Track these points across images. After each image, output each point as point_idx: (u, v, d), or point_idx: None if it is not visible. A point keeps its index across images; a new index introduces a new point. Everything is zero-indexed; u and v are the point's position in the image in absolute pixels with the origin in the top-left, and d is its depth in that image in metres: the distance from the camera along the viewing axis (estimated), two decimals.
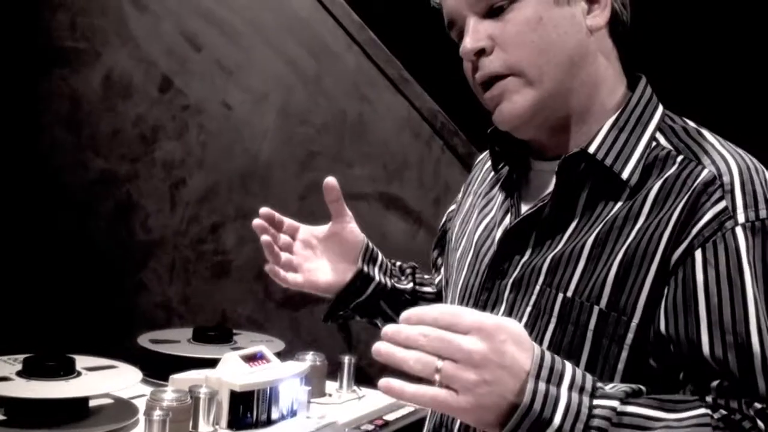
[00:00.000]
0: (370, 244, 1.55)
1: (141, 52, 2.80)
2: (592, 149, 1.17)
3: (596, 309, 1.11)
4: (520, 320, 1.18)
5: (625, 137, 1.17)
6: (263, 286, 2.76)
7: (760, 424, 1.01)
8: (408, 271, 1.60)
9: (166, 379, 1.56)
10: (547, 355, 0.98)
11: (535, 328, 1.16)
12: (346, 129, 2.74)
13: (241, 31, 2.77)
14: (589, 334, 1.11)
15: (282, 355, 1.75)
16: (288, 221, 1.56)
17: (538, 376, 0.96)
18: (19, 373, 1.47)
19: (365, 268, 1.51)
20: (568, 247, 1.15)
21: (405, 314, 0.98)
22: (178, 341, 1.87)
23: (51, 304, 2.79)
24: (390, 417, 1.71)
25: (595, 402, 0.98)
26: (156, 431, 1.33)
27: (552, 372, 0.97)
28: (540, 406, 0.95)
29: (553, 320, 1.14)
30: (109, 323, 2.79)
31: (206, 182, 2.81)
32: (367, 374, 1.95)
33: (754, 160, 1.13)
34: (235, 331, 1.97)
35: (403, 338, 0.96)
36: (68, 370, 1.49)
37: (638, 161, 1.15)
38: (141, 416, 1.46)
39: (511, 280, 1.21)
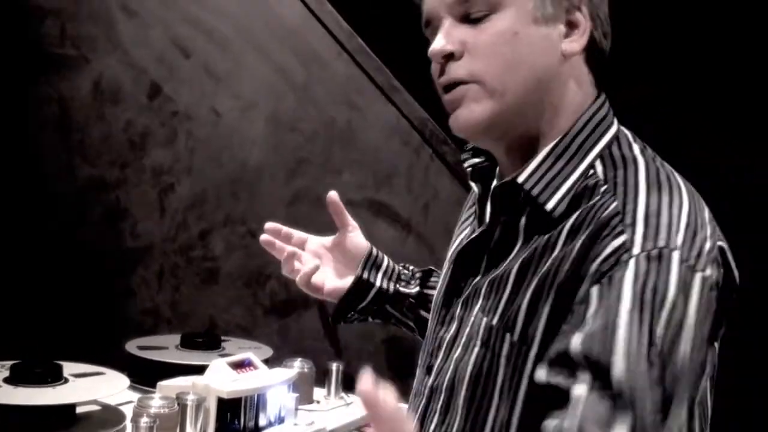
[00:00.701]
0: (375, 251, 1.57)
1: (130, 58, 2.80)
2: (521, 179, 1.14)
3: (508, 337, 1.10)
4: (461, 339, 1.18)
5: (560, 166, 1.14)
6: (251, 293, 2.76)
7: None
8: (419, 275, 1.59)
9: (153, 386, 1.56)
10: None
11: (467, 349, 1.16)
12: (335, 136, 2.75)
13: (230, 38, 2.77)
14: (503, 361, 1.10)
15: (270, 362, 1.75)
16: (297, 234, 1.60)
17: None
18: (6, 380, 1.46)
19: (364, 275, 1.54)
20: (501, 273, 1.15)
21: None
22: (166, 348, 1.87)
23: (38, 310, 2.78)
24: None
25: None
26: None
27: None
28: None
29: (478, 343, 1.14)
30: (96, 329, 2.78)
31: (195, 189, 2.81)
32: (355, 381, 1.95)
33: (678, 197, 1.08)
34: (223, 337, 1.97)
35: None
36: (55, 377, 1.49)
37: (567, 192, 1.12)
38: (128, 423, 1.46)
39: (462, 299, 1.21)
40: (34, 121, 2.86)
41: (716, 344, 1.10)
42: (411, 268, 1.61)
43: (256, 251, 2.77)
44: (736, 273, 1.11)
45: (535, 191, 1.13)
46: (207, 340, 1.91)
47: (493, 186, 1.19)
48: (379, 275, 1.55)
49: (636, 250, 1.01)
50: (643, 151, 1.15)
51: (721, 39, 2.63)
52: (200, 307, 2.81)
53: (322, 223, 2.73)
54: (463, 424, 1.14)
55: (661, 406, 0.98)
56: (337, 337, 2.73)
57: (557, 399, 1.02)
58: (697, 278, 1.02)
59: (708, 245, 1.06)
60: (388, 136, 2.70)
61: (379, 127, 2.71)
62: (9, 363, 1.52)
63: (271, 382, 1.57)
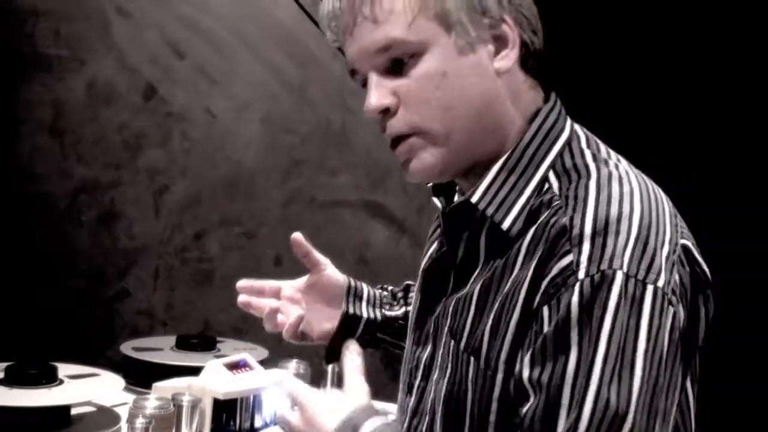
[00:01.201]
0: (353, 283, 1.53)
1: (125, 59, 2.80)
2: (474, 198, 1.11)
3: (473, 362, 1.08)
4: (437, 360, 1.17)
5: (512, 181, 1.11)
6: None
7: None
8: (400, 295, 1.56)
9: (149, 387, 1.56)
10: (355, 417, 1.11)
11: (442, 369, 1.14)
12: (330, 137, 2.75)
13: (225, 40, 2.77)
14: (470, 385, 1.08)
15: (265, 363, 1.75)
16: (268, 284, 1.53)
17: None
18: (1, 381, 1.46)
19: (350, 309, 1.49)
20: (465, 293, 1.12)
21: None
22: (161, 349, 1.87)
23: (33, 311, 2.78)
24: None
25: None
26: None
27: (354, 427, 1.10)
28: None
29: (450, 365, 1.12)
30: (91, 331, 2.78)
31: (190, 190, 2.80)
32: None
33: (629, 204, 1.03)
34: (218, 338, 1.97)
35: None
36: (50, 378, 1.49)
37: (522, 209, 1.09)
38: (123, 424, 1.46)
39: (433, 318, 1.19)
40: (28, 122, 2.85)
41: (689, 353, 1.05)
42: (390, 288, 1.58)
43: (251, 252, 2.77)
44: (705, 268, 1.07)
45: (489, 211, 1.10)
46: (202, 341, 1.91)
47: (449, 208, 1.16)
48: (364, 306, 1.51)
49: (581, 274, 0.98)
50: (595, 157, 1.10)
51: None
52: (195, 308, 2.80)
53: (316, 224, 2.74)
54: None
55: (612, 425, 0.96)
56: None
57: (516, 418, 1.02)
58: (649, 291, 0.98)
59: (665, 250, 1.02)
60: (382, 137, 2.70)
61: (373, 129, 2.69)
62: (4, 364, 1.52)
63: (267, 383, 1.57)
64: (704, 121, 2.58)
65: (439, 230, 1.29)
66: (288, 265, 2.73)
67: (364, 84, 1.15)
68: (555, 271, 1.00)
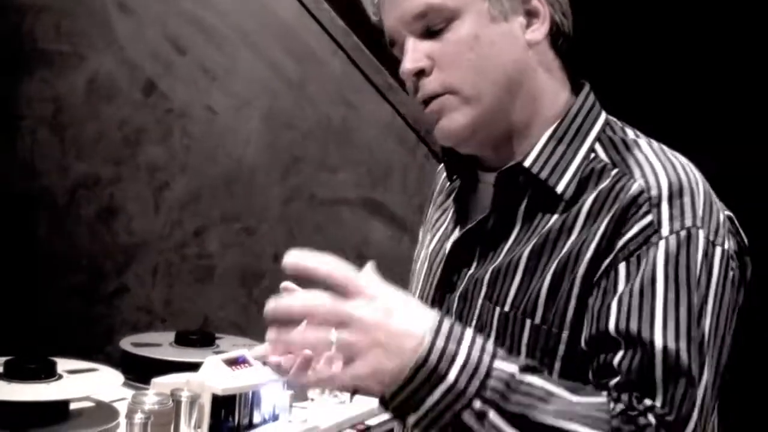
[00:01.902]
0: None
1: (125, 55, 2.80)
2: (527, 162, 1.17)
3: (528, 322, 1.11)
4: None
5: (562, 149, 1.17)
6: (246, 291, 2.76)
7: (651, 419, 1.00)
8: None
9: (148, 383, 1.56)
10: (449, 319, 0.98)
11: None
12: (330, 134, 2.75)
13: (225, 36, 2.77)
14: (523, 348, 1.11)
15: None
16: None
17: (437, 333, 0.95)
18: (0, 376, 1.46)
19: None
20: (507, 259, 1.16)
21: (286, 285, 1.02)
22: (160, 345, 1.87)
23: (32, 306, 2.78)
24: (372, 422, 1.71)
25: (495, 364, 0.96)
26: None
27: (452, 330, 0.96)
28: (435, 360, 0.94)
29: (493, 333, 1.14)
30: (91, 326, 2.78)
31: (190, 186, 2.80)
32: None
33: (689, 170, 1.12)
34: (217, 335, 1.97)
35: (297, 311, 0.98)
36: (49, 373, 1.49)
37: (574, 174, 1.15)
38: (122, 419, 1.46)
39: (458, 294, 1.21)
40: (29, 117, 2.85)
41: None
42: None
43: (251, 249, 2.77)
44: (744, 238, 1.16)
45: (543, 174, 1.15)
46: (201, 337, 1.91)
47: (498, 172, 1.19)
48: None
49: (665, 231, 1.06)
50: (636, 134, 1.19)
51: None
52: (195, 304, 2.80)
53: (316, 222, 2.74)
54: None
55: (698, 377, 1.03)
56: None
57: (600, 375, 1.05)
58: (718, 252, 1.07)
59: (722, 217, 1.11)
60: (383, 134, 2.70)
61: (374, 126, 2.71)
62: (3, 359, 1.52)
63: (266, 379, 1.57)
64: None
65: (447, 212, 1.32)
66: None
67: (402, 56, 1.20)
68: (634, 230, 1.06)
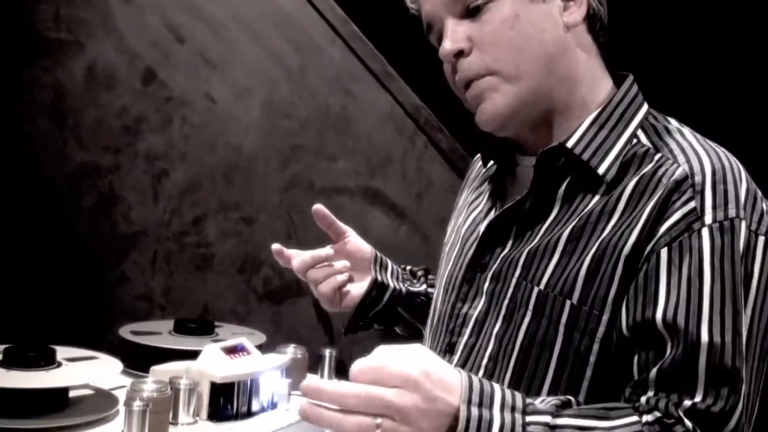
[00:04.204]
0: (379, 254, 1.57)
1: (125, 43, 2.80)
2: (570, 144, 1.17)
3: (568, 303, 1.12)
4: (498, 313, 1.19)
5: (605, 133, 1.17)
6: (245, 279, 2.76)
7: (688, 423, 1.01)
8: (420, 273, 1.61)
9: (147, 371, 1.56)
10: (475, 379, 1.01)
11: (512, 321, 1.17)
12: (329, 123, 2.75)
13: (225, 24, 2.76)
14: (561, 328, 1.12)
15: (263, 348, 1.75)
16: (312, 254, 1.56)
17: (469, 402, 0.98)
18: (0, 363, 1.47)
19: (379, 277, 1.53)
20: (544, 240, 1.16)
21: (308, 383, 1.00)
22: (160, 333, 1.87)
23: (32, 294, 2.78)
24: None
25: (528, 419, 0.99)
26: (136, 422, 1.33)
27: (482, 395, 0.99)
28: (475, 431, 0.97)
29: (529, 313, 1.15)
30: (90, 314, 2.78)
31: (189, 175, 2.80)
32: (348, 368, 1.95)
33: (731, 159, 1.13)
34: (216, 323, 1.97)
35: (327, 398, 0.98)
36: (49, 361, 1.49)
37: (616, 157, 1.15)
38: (121, 407, 1.46)
39: (490, 273, 1.22)
40: (28, 105, 2.85)
41: None
42: (408, 268, 1.61)
43: (250, 238, 2.77)
44: None
45: (585, 155, 1.16)
46: (200, 325, 1.91)
47: (540, 152, 1.20)
48: (388, 276, 1.55)
49: (708, 219, 1.06)
50: (681, 124, 1.20)
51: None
52: (194, 293, 2.81)
53: None
54: None
55: (742, 371, 1.03)
56: (331, 323, 2.74)
57: (642, 362, 1.07)
58: (761, 242, 1.07)
59: (765, 207, 1.11)
60: (382, 123, 2.70)
61: (373, 114, 2.71)
62: (2, 347, 1.52)
63: (264, 367, 1.57)
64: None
65: (484, 194, 1.34)
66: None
67: (440, 43, 1.21)
68: (677, 215, 1.07)
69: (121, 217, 2.82)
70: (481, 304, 1.22)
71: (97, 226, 2.84)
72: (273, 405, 1.58)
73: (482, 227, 1.28)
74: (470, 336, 1.23)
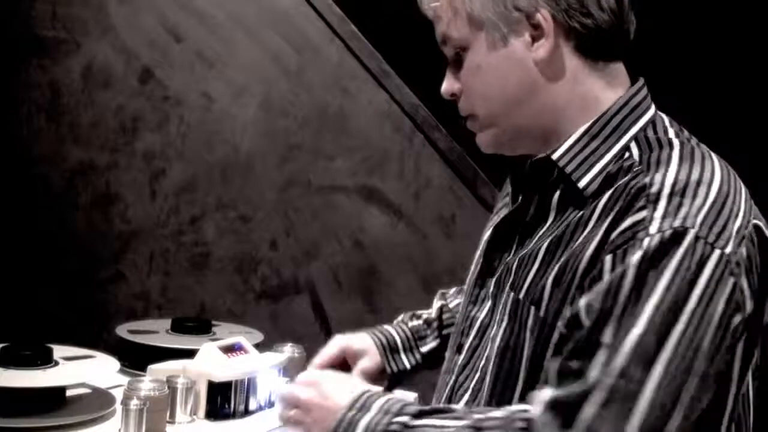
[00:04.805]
0: (382, 337, 1.59)
1: (121, 42, 2.79)
2: (555, 156, 1.18)
3: (533, 311, 1.13)
4: (497, 317, 1.21)
5: (595, 145, 1.17)
6: (243, 278, 2.76)
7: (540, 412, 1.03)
8: (435, 324, 1.62)
9: (144, 370, 1.56)
10: (369, 393, 1.16)
11: (501, 326, 1.19)
12: (326, 122, 2.75)
13: (222, 23, 2.76)
14: (528, 334, 1.13)
15: (260, 347, 1.75)
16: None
17: (349, 408, 1.14)
18: None
19: (393, 368, 1.57)
20: (531, 249, 1.18)
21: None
22: (157, 332, 1.87)
23: (29, 293, 2.78)
24: None
25: (394, 419, 1.10)
26: (133, 421, 1.33)
27: (365, 403, 1.14)
28: (343, 429, 1.13)
29: (505, 319, 1.18)
30: (87, 313, 2.78)
31: (186, 173, 2.80)
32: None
33: (711, 173, 1.08)
34: (214, 322, 1.97)
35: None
36: (45, 360, 1.48)
37: (601, 171, 1.15)
38: (118, 406, 1.46)
39: (494, 278, 1.25)
40: (25, 104, 2.85)
41: (741, 328, 1.05)
42: (424, 316, 1.62)
43: (247, 236, 2.77)
44: None
45: (569, 168, 1.16)
46: (197, 324, 1.90)
47: (528, 162, 1.23)
48: (402, 356, 1.58)
49: (653, 229, 1.03)
50: (678, 134, 1.17)
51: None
52: (191, 292, 2.80)
53: (312, 209, 2.74)
54: (489, 398, 1.17)
55: (637, 387, 0.99)
56: (328, 322, 2.74)
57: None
58: (715, 254, 1.02)
59: (738, 222, 1.05)
60: (379, 121, 2.70)
61: (370, 113, 2.70)
62: None
63: (262, 366, 1.57)
64: None
65: (507, 199, 1.35)
66: (283, 249, 2.74)
67: None
68: (627, 224, 1.05)
69: (118, 216, 2.82)
70: (487, 307, 1.25)
71: (94, 224, 2.83)
72: (270, 404, 1.58)
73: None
74: (474, 338, 1.26)
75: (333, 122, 2.73)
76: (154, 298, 2.82)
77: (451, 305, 1.65)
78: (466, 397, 1.23)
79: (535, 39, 1.17)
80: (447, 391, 1.28)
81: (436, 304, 1.66)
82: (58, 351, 1.54)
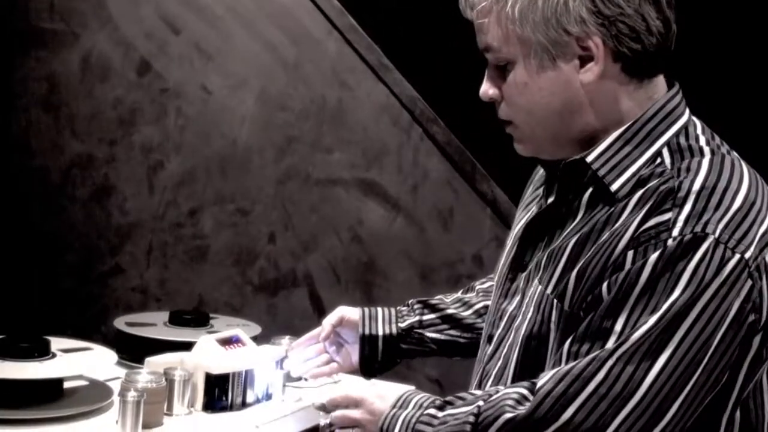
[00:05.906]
0: (368, 309, 1.67)
1: (120, 34, 2.79)
2: (590, 158, 1.21)
3: (557, 305, 1.18)
4: (526, 309, 1.25)
5: (628, 150, 1.20)
6: (240, 271, 2.76)
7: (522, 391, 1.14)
8: (417, 305, 1.68)
9: (141, 362, 1.56)
10: (409, 392, 1.27)
11: (527, 317, 1.24)
12: (325, 115, 2.74)
13: (220, 16, 2.76)
14: (553, 327, 1.19)
15: (258, 339, 1.75)
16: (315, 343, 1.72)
17: (393, 407, 1.26)
18: None
19: (366, 332, 1.64)
20: (559, 245, 1.21)
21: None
22: (154, 324, 1.87)
23: (27, 286, 2.78)
24: None
25: (425, 412, 1.22)
26: (130, 413, 1.33)
27: (405, 401, 1.26)
28: (387, 424, 1.25)
29: (532, 309, 1.22)
30: (85, 306, 2.78)
31: (184, 166, 2.80)
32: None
33: (739, 180, 1.13)
34: (211, 315, 1.97)
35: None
36: (43, 352, 1.49)
37: (633, 175, 1.18)
38: (115, 398, 1.46)
39: (525, 273, 1.29)
40: (23, 96, 2.85)
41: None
42: (410, 301, 1.69)
43: (245, 229, 2.77)
44: None
45: (602, 172, 1.20)
46: (195, 317, 1.90)
47: (562, 163, 1.25)
48: (379, 325, 1.65)
49: (675, 231, 1.08)
50: (709, 142, 1.20)
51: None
52: (189, 284, 2.81)
53: (310, 202, 2.74)
54: (511, 383, 1.22)
55: (632, 370, 1.08)
56: (326, 315, 2.74)
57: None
58: (735, 258, 1.07)
59: (762, 229, 1.10)
60: (378, 114, 2.70)
61: (369, 106, 2.70)
62: None
63: (259, 359, 1.57)
64: None
65: (539, 197, 1.38)
66: (281, 242, 2.74)
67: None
68: (651, 223, 1.10)
69: (116, 208, 2.82)
70: (516, 300, 1.29)
71: (92, 217, 2.83)
72: (268, 396, 1.58)
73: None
74: (503, 329, 1.30)
75: (331, 115, 2.73)
76: (152, 291, 2.82)
77: (483, 286, 1.71)
78: (490, 383, 1.29)
79: (583, 62, 1.19)
80: (476, 379, 1.35)
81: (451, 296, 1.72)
82: (56, 343, 1.54)
